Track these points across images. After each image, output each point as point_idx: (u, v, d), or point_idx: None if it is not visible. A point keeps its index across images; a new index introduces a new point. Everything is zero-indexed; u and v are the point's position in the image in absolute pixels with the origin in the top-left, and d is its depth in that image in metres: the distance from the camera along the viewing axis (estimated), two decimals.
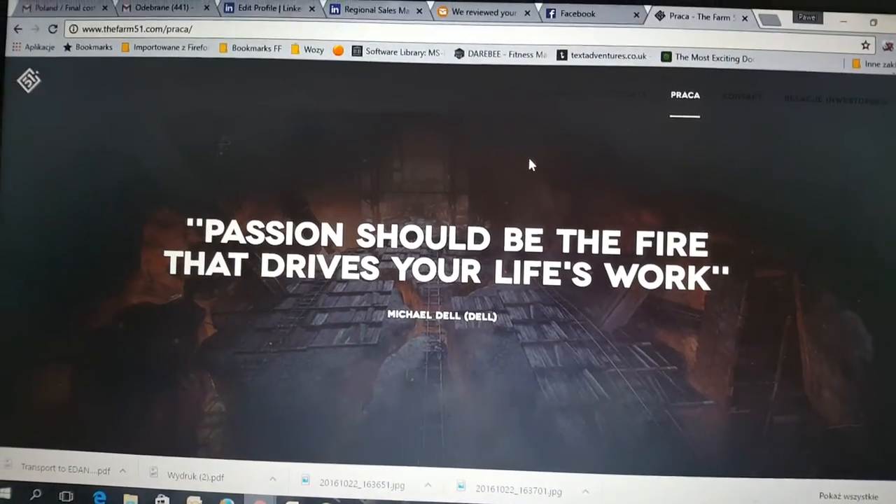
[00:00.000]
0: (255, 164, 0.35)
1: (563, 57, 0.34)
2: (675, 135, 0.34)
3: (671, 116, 0.34)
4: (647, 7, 0.34)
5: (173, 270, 0.35)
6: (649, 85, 0.34)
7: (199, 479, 0.35)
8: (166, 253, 0.35)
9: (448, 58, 0.34)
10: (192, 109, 0.35)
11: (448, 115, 0.34)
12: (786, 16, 0.34)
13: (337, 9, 0.35)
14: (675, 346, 0.34)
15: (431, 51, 0.34)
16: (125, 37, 0.35)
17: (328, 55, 0.35)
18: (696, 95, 0.34)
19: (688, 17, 0.34)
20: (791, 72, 0.34)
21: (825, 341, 0.33)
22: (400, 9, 0.35)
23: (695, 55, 0.34)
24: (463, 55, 0.34)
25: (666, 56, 0.34)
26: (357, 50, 0.35)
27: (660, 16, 0.34)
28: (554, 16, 0.34)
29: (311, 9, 0.35)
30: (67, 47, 0.35)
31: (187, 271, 0.35)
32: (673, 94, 0.34)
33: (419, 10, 0.35)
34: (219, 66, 0.35)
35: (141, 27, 0.35)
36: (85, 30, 0.35)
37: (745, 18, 0.34)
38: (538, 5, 0.34)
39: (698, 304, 0.34)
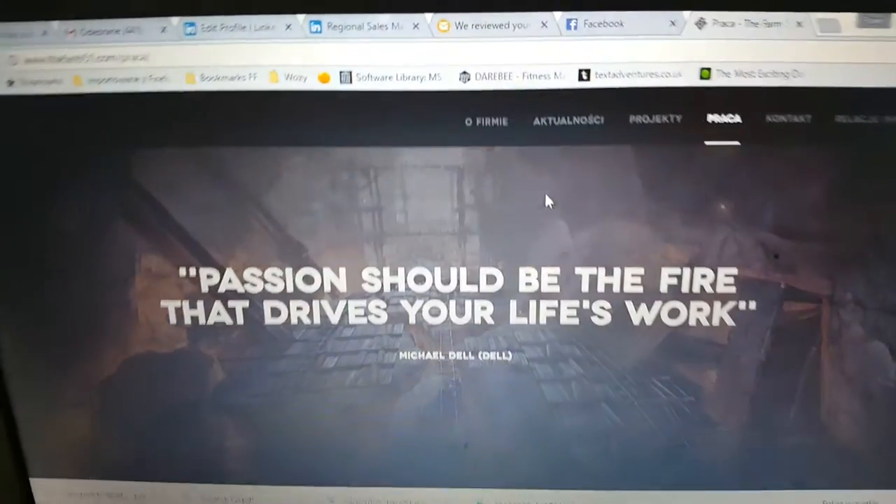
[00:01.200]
0: (241, 208, 0.32)
1: (585, 77, 0.29)
2: (710, 164, 0.30)
3: (706, 143, 0.30)
4: (686, 14, 0.29)
5: (173, 320, 0.33)
6: (683, 107, 0.30)
7: (230, 502, 0.36)
8: (163, 303, 0.33)
9: (452, 82, 0.30)
10: (164, 150, 0.31)
11: (454, 147, 0.31)
12: (848, 20, 0.28)
13: (318, 26, 0.29)
14: (694, 378, 0.33)
15: (432, 74, 0.30)
16: (75, 68, 0.30)
17: (312, 83, 0.30)
18: (737, 119, 0.30)
19: (733, 24, 0.29)
20: (847, 88, 0.29)
21: (848, 370, 0.33)
22: (393, 24, 0.29)
23: (738, 71, 0.29)
24: (469, 78, 0.30)
25: (705, 73, 0.29)
26: (346, 76, 0.30)
27: (700, 24, 0.29)
28: (576, 27, 0.29)
29: (288, 26, 0.29)
30: (11, 82, 0.30)
31: (188, 321, 0.33)
32: (710, 117, 0.30)
33: (416, 25, 0.29)
34: (188, 101, 0.30)
35: (92, 56, 0.30)
36: (27, 61, 0.30)
37: (799, 24, 0.29)
38: (557, 15, 0.29)
39: (721, 339, 0.33)
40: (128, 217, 0.32)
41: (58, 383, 0.34)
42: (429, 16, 0.29)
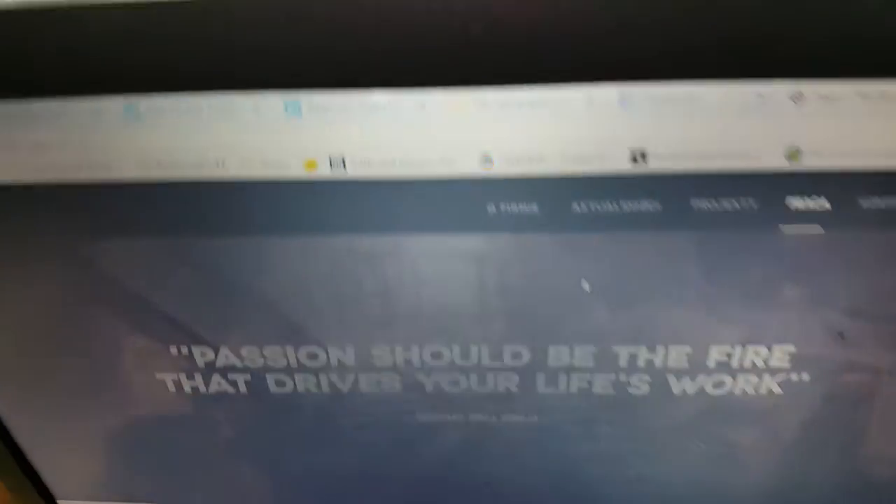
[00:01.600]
0: (229, 295, 0.27)
1: (639, 159, 0.23)
2: (782, 250, 0.25)
3: (781, 227, 0.25)
4: (780, 86, 0.22)
5: (172, 389, 0.31)
6: (760, 192, 0.24)
7: None
8: (158, 376, 0.30)
9: (470, 167, 0.24)
10: (128, 242, 0.26)
11: (474, 235, 0.25)
12: None
13: (295, 108, 0.23)
14: (732, 437, 0.31)
15: (444, 159, 0.23)
16: (5, 159, 0.24)
17: (297, 171, 0.24)
18: (824, 204, 0.24)
19: (840, 98, 0.22)
20: None
21: (895, 426, 0.31)
22: (392, 104, 0.22)
23: (835, 151, 0.23)
24: (492, 163, 0.23)
25: (793, 155, 0.23)
26: (337, 163, 0.24)
27: (797, 98, 0.22)
28: (632, 104, 0.22)
29: (256, 109, 0.23)
30: None
31: (188, 390, 0.31)
32: (791, 201, 0.24)
33: (422, 105, 0.22)
34: (142, 192, 0.24)
35: (20, 143, 0.24)
36: None
37: None
38: (608, 89, 0.22)
39: (766, 405, 0.30)
40: (103, 305, 0.28)
41: (68, 433, 0.33)
42: (438, 93, 0.22)
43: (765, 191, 0.24)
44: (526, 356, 0.29)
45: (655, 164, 0.23)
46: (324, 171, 0.24)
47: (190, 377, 0.30)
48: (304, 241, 0.26)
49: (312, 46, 0.21)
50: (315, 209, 0.25)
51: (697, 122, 0.22)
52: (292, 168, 0.24)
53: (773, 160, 0.23)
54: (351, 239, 0.26)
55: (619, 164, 0.23)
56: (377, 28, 0.21)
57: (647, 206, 0.24)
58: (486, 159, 0.23)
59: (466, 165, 0.24)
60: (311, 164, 0.24)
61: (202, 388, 0.31)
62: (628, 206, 0.24)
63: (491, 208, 0.25)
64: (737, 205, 0.24)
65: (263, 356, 0.29)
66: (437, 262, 0.26)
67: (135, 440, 0.33)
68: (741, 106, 0.22)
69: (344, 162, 0.24)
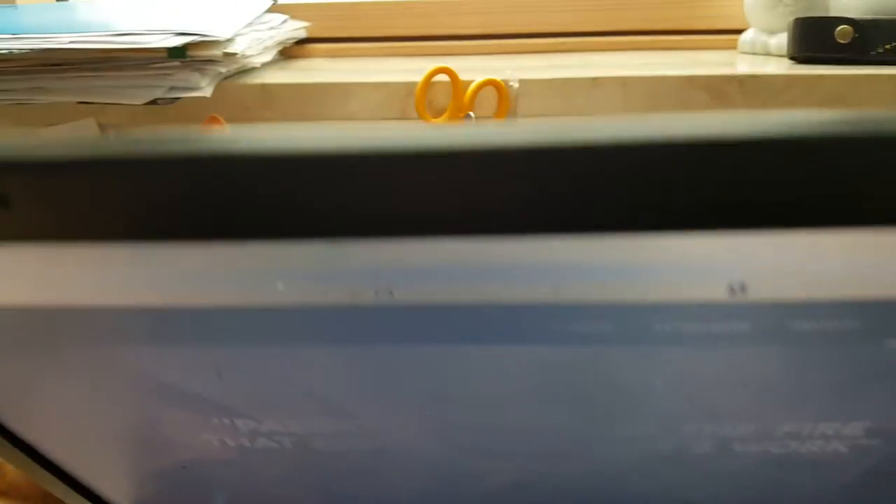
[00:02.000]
0: (271, 389, 0.26)
1: (738, 291, 0.20)
2: (880, 358, 0.22)
3: (885, 341, 0.22)
4: None
5: (217, 445, 0.30)
6: (866, 313, 0.21)
7: None
8: (203, 436, 0.29)
9: (535, 294, 0.20)
10: (160, 349, 0.24)
11: (535, 347, 0.23)
12: None
13: (339, 254, 0.19)
14: (785, 478, 0.30)
15: (503, 289, 0.20)
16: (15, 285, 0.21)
17: (338, 297, 0.21)
18: None
19: None
20: None
21: None
22: (441, 249, 0.19)
23: None
24: (560, 292, 0.20)
25: None
26: (384, 292, 0.21)
27: None
28: (735, 251, 0.18)
29: (294, 255, 0.19)
30: None
31: (233, 445, 0.30)
32: None
33: (480, 259, 0.19)
34: (163, 314, 0.22)
35: (43, 277, 0.21)
36: None
37: None
38: (704, 240, 0.18)
39: (827, 459, 0.29)
40: (143, 395, 0.26)
41: (124, 472, 0.33)
42: (506, 242, 0.19)
43: (873, 313, 0.21)
44: (584, 430, 0.27)
45: (755, 296, 0.20)
46: (367, 299, 0.21)
47: (234, 437, 0.29)
48: (343, 349, 0.23)
49: (365, 196, 0.17)
50: (358, 327, 0.22)
51: (809, 262, 0.19)
52: (332, 295, 0.21)
53: (889, 290, 0.20)
54: (398, 349, 0.23)
55: (714, 294, 0.20)
56: (431, 184, 0.17)
57: (738, 327, 0.21)
58: (556, 290, 0.20)
59: (531, 295, 0.20)
60: (355, 295, 0.21)
61: (247, 444, 0.30)
62: (717, 328, 0.21)
63: (556, 326, 0.22)
64: (840, 325, 0.21)
65: (307, 425, 0.28)
66: (492, 366, 0.24)
67: (183, 478, 0.33)
68: (864, 248, 0.18)
69: (391, 292, 0.21)
